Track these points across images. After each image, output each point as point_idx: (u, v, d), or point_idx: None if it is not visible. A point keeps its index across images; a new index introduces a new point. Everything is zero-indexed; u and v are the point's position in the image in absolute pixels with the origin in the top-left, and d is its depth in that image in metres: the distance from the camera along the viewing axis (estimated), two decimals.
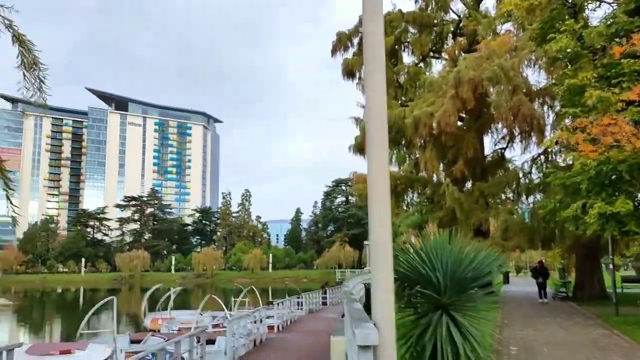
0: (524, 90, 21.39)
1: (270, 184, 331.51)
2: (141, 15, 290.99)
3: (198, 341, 11.24)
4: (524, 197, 23.04)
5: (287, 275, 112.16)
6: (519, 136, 23.04)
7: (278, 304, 19.77)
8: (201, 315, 26.65)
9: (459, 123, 22.89)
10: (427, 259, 6.00)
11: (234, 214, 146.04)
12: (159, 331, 21.24)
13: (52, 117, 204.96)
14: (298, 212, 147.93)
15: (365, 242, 64.56)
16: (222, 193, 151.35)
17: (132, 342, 17.90)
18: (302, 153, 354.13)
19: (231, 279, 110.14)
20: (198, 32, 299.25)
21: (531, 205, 22.42)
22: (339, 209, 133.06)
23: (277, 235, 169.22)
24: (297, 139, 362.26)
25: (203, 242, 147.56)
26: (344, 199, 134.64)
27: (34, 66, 4.48)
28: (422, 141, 24.36)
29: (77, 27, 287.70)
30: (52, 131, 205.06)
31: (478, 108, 22.50)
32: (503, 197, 23.61)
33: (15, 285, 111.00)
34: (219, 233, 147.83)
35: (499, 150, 24.40)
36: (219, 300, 17.96)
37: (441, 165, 24.70)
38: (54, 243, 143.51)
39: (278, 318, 19.27)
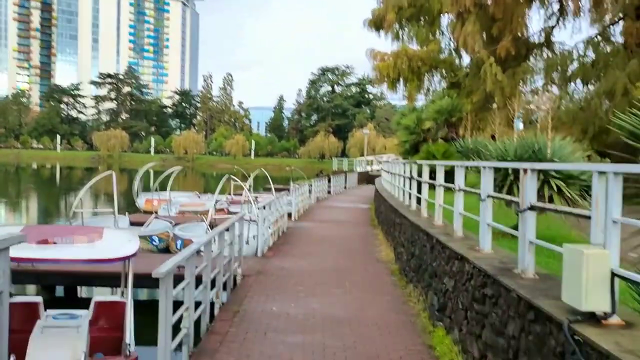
0: None
1: (252, 69, 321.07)
2: None
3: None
4: (577, 84, 20.45)
5: (269, 162, 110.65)
6: (573, 14, 19.90)
7: (295, 191, 17.48)
8: (199, 197, 24.54)
9: None
10: None
11: (214, 98, 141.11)
12: (156, 212, 19.04)
13: None
14: (281, 100, 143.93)
15: (366, 131, 61.92)
16: (203, 76, 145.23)
17: (132, 224, 15.71)
18: (288, 38, 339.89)
19: (213, 163, 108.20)
20: None
21: (585, 91, 19.96)
22: (324, 98, 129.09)
23: (258, 123, 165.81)
24: (283, 23, 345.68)
25: (183, 125, 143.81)
26: (329, 88, 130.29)
27: None
28: (459, 14, 21.01)
29: None
30: None
31: None
32: (548, 82, 20.94)
33: None
34: (199, 117, 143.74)
35: (548, 29, 21.25)
36: (243, 184, 15.48)
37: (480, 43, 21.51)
38: (26, 118, 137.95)
39: (295, 206, 17.12)
